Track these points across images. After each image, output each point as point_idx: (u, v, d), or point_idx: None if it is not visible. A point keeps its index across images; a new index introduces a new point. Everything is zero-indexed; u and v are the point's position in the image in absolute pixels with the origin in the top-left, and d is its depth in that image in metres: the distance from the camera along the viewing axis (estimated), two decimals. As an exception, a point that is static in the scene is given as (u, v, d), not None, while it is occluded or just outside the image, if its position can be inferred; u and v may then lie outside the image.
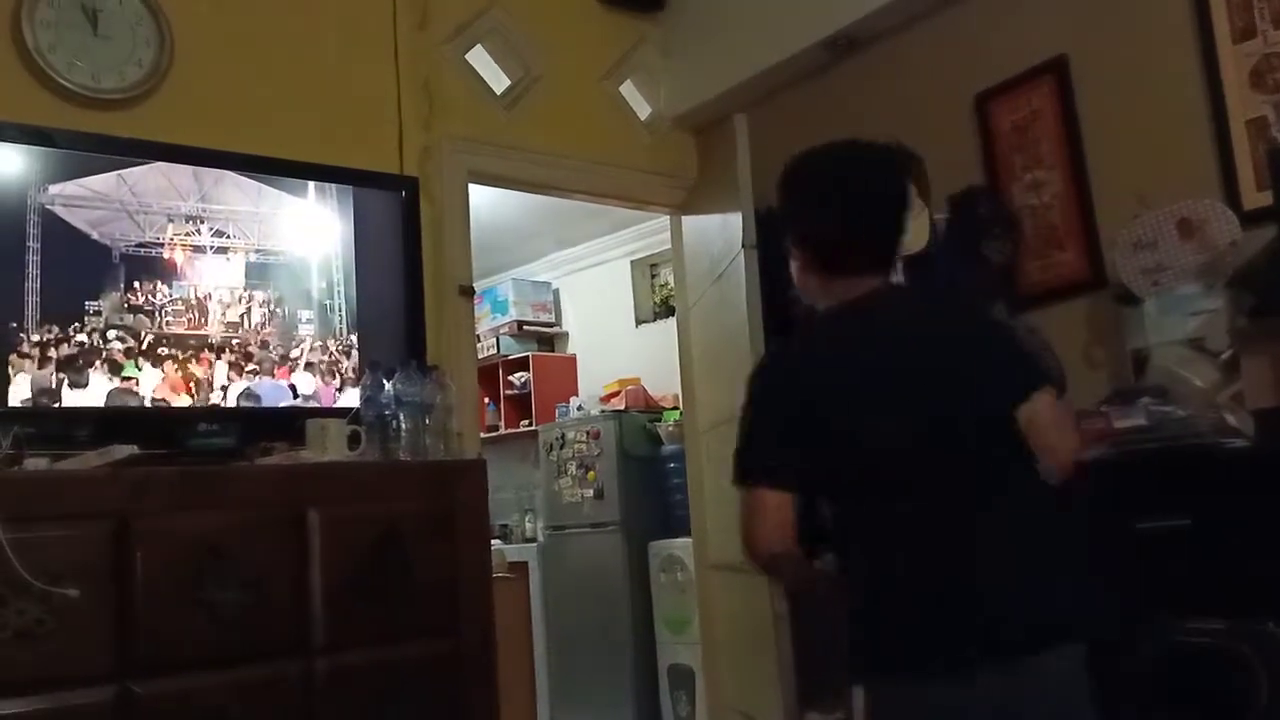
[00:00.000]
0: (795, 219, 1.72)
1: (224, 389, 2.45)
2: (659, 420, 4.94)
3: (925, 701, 1.47)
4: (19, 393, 2.19)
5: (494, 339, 5.82)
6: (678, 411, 4.51)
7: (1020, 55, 2.80)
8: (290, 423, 2.36)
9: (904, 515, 1.53)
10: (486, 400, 5.71)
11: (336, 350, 2.63)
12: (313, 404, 2.54)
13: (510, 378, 5.80)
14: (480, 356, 5.05)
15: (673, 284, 4.22)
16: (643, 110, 3.71)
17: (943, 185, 2.81)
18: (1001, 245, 2.78)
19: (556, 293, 6.01)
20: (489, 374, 5.68)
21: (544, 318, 5.93)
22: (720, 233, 3.36)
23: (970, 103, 2.93)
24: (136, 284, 2.39)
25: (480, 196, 3.42)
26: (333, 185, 2.67)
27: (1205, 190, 2.34)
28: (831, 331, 1.68)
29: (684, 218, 3.84)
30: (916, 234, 2.73)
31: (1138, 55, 2.56)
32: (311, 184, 2.65)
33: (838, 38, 3.18)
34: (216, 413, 2.40)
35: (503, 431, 5.73)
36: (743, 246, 3.08)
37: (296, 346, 2.57)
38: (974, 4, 2.93)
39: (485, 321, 5.79)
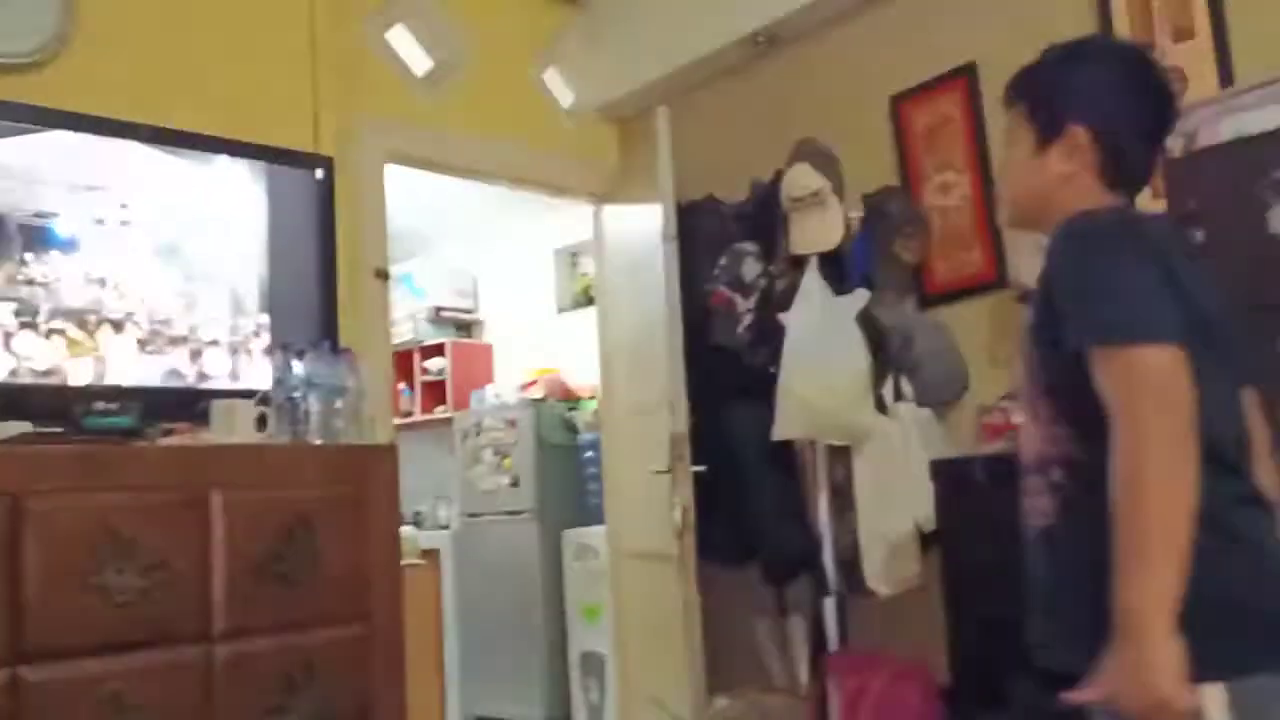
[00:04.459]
0: (1095, 101, 1.41)
1: (123, 366, 2.37)
2: (577, 409, 4.95)
3: None
4: (-97, 366, 2.09)
5: (410, 324, 5.75)
6: (596, 401, 4.52)
7: (934, 60, 2.87)
8: (194, 402, 2.30)
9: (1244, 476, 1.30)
10: (401, 386, 5.63)
11: (245, 330, 2.57)
12: (218, 384, 2.48)
13: (426, 364, 5.74)
14: (396, 341, 4.98)
15: (593, 273, 4.23)
16: (565, 98, 3.70)
17: (858, 183, 2.87)
18: (912, 244, 2.86)
19: (476, 279, 5.96)
20: (405, 359, 5.60)
21: (463, 304, 5.88)
22: (641, 223, 3.38)
23: (886, 104, 3.00)
24: (32, 255, 2.30)
25: (399, 178, 3.38)
26: (244, 161, 2.61)
27: (1104, 197, 2.43)
28: (1160, 227, 1.43)
29: (605, 207, 3.85)
30: (831, 230, 2.80)
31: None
32: (222, 159, 2.58)
33: (759, 34, 3.22)
34: (115, 391, 2.32)
35: (418, 418, 5.67)
36: (663, 238, 3.11)
37: (202, 325, 2.51)
38: (891, 7, 3.00)
39: (402, 306, 5.70)
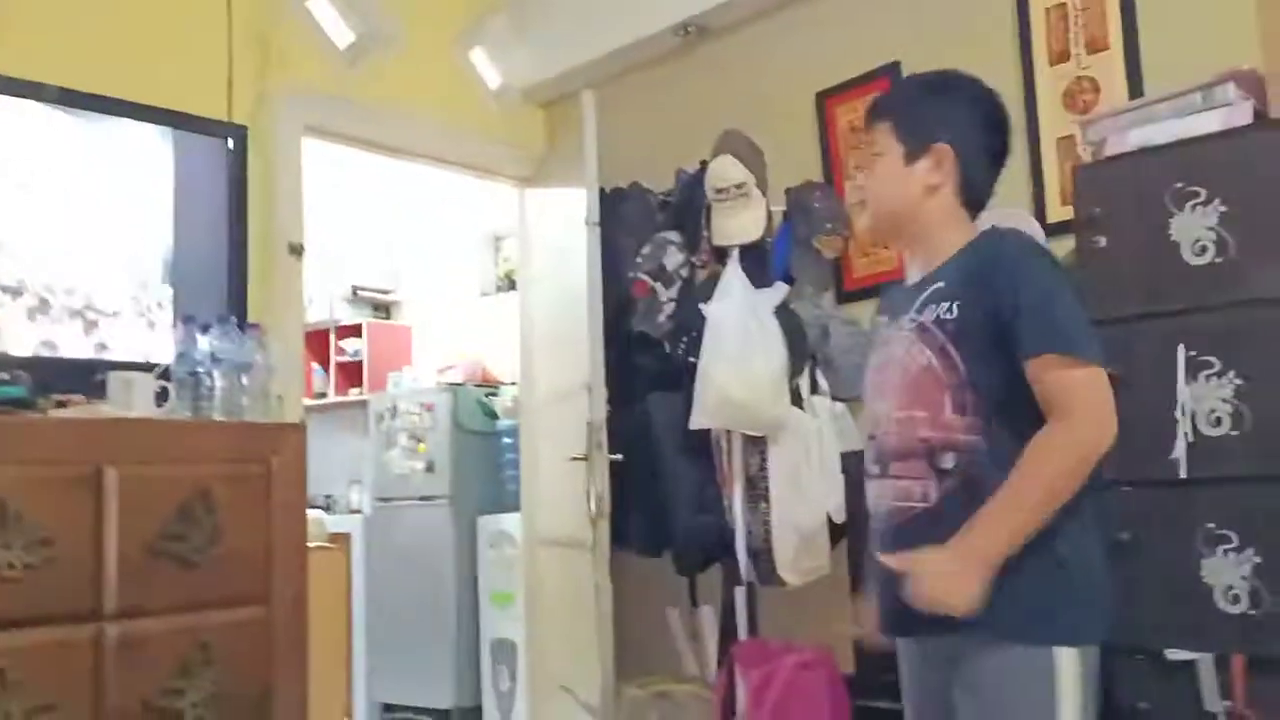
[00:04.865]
0: (955, 125, 1.57)
1: (16, 335, 2.27)
2: (496, 394, 4.90)
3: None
4: None
5: (327, 302, 5.62)
6: (516, 386, 4.48)
7: (858, 58, 2.91)
8: (91, 374, 2.21)
9: None
10: (315, 365, 5.51)
11: (148, 301, 2.47)
12: (117, 356, 2.39)
13: (342, 344, 5.62)
14: (312, 320, 4.87)
15: (516, 257, 4.19)
16: (492, 79, 3.64)
17: (783, 178, 2.89)
18: (833, 240, 2.88)
19: (396, 260, 5.85)
20: (320, 339, 5.49)
21: (382, 284, 5.77)
22: (564, 208, 3.35)
23: (812, 100, 3.02)
24: (-80, 216, 2.18)
25: (320, 151, 3.29)
26: (152, 127, 2.51)
27: (1015, 201, 2.50)
28: None
29: (530, 191, 3.81)
30: (753, 223, 2.81)
31: (964, 70, 2.69)
32: (128, 123, 2.48)
33: (688, 24, 3.22)
34: (6, 360, 2.21)
35: (332, 399, 5.55)
36: (586, 223, 3.09)
37: (101, 294, 2.41)
38: (820, 4, 3.03)
39: (318, 284, 5.56)
